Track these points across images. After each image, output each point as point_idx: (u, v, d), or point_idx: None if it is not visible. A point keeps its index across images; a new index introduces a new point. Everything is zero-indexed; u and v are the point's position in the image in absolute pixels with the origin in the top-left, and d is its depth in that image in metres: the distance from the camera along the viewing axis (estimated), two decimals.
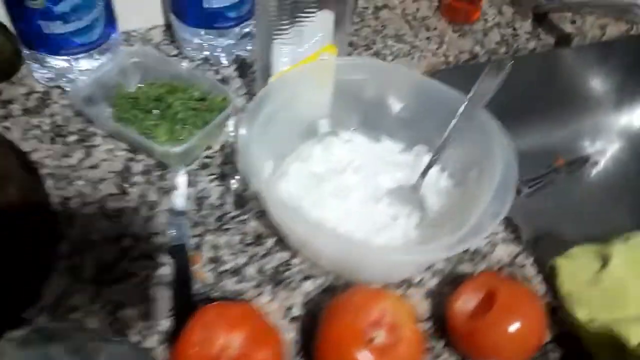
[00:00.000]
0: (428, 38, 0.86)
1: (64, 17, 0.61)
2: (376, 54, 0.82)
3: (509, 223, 0.63)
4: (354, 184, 0.60)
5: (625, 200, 0.97)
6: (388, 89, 0.62)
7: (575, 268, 0.56)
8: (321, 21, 0.61)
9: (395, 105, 0.63)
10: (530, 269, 0.59)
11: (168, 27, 0.78)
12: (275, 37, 0.61)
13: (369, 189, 0.60)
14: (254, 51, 0.70)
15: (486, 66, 0.60)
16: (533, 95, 0.99)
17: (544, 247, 0.81)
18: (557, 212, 0.91)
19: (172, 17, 0.73)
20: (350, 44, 0.83)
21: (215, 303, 0.47)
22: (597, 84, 1.05)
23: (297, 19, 0.60)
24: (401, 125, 0.64)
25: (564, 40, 0.94)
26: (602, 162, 1.06)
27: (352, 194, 0.59)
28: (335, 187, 0.59)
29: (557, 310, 0.55)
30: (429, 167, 0.58)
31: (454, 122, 0.55)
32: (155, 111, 0.64)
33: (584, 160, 1.04)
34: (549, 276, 0.57)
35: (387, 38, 0.85)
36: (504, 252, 0.60)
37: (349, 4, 0.62)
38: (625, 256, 0.55)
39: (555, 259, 0.57)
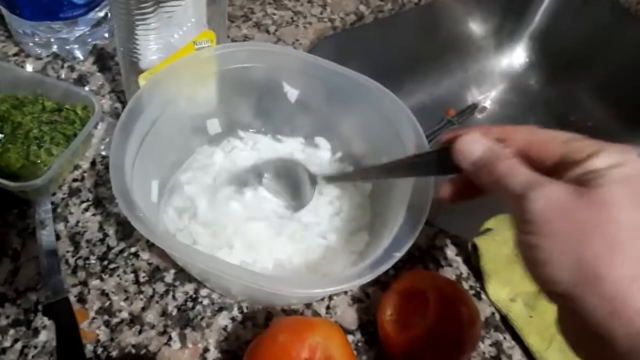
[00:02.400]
0: (310, 1, 0.79)
1: None
2: (257, 25, 0.73)
3: None
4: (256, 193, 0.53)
5: None
6: (279, 76, 0.55)
7: (493, 245, 0.55)
8: (192, 2, 0.52)
9: (292, 93, 0.55)
10: (449, 250, 0.56)
11: (2, 18, 0.63)
12: (139, 24, 0.51)
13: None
14: (113, 42, 0.59)
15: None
16: (420, 50, 0.96)
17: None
18: None
19: (3, 10, 0.59)
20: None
21: None
22: (477, 29, 1.05)
23: (161, 1, 0.50)
24: (299, 114, 0.57)
25: None
26: (490, 106, 1.08)
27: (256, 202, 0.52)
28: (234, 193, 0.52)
29: (481, 293, 0.53)
30: None
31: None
32: (0, 135, 0.52)
33: (473, 107, 1.05)
34: (470, 256, 0.56)
35: (266, 5, 0.77)
36: (421, 234, 0.57)
37: None
38: None
39: (474, 239, 0.55)
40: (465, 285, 0.54)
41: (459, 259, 0.56)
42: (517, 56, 1.11)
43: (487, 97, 1.08)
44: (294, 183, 0.53)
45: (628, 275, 0.26)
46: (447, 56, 1.03)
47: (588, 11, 0.98)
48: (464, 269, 0.55)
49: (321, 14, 0.77)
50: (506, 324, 0.52)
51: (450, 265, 0.55)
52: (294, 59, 0.54)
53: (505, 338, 0.51)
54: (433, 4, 0.91)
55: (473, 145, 0.33)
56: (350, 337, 0.48)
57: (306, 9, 0.77)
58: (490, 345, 0.50)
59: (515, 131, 0.34)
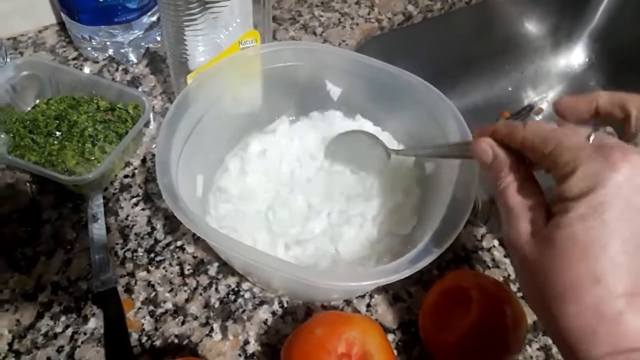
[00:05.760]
0: (357, 2, 0.79)
1: None
2: (304, 27, 0.74)
3: None
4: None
5: None
6: (323, 75, 0.55)
7: None
8: (238, 3, 0.53)
9: (334, 91, 0.56)
10: (497, 251, 0.54)
11: (63, 25, 0.67)
12: (187, 26, 0.52)
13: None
14: (164, 45, 0.61)
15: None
16: (472, 49, 0.94)
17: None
18: None
19: (64, 16, 0.63)
20: (274, 19, 0.75)
21: None
22: (533, 28, 1.02)
23: (208, 2, 0.51)
24: (343, 113, 0.57)
25: None
26: (547, 108, 1.04)
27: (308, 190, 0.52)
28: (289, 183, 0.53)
29: None
30: None
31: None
32: (57, 132, 0.55)
33: (528, 109, 1.02)
34: None
35: (314, 7, 0.78)
36: (468, 235, 0.55)
37: None
38: None
39: None
40: (513, 288, 0.52)
41: (507, 261, 0.54)
42: (575, 56, 1.06)
43: (544, 99, 1.05)
44: (359, 154, 0.53)
45: (577, 326, 0.27)
46: (502, 56, 1.00)
47: None
48: (512, 271, 0.53)
49: (369, 14, 0.77)
50: None
51: (498, 267, 0.53)
52: (337, 57, 0.54)
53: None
54: (485, 3, 0.89)
55: (484, 153, 0.34)
56: (390, 336, 0.48)
57: (353, 10, 0.77)
58: (538, 349, 0.48)
59: (518, 131, 0.32)
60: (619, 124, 0.34)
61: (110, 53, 0.65)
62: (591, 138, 0.29)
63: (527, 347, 0.48)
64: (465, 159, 0.43)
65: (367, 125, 0.56)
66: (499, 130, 0.34)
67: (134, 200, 0.54)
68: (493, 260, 0.54)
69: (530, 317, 0.50)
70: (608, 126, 0.36)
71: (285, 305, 0.49)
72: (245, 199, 0.51)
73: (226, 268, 0.50)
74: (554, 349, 0.48)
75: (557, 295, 0.28)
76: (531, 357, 0.47)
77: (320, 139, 0.55)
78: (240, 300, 0.48)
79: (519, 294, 0.51)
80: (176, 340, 0.46)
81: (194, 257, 0.51)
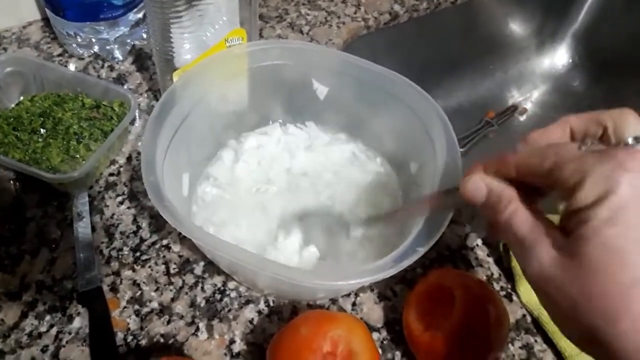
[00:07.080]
0: (344, 1, 0.79)
1: None
2: (290, 26, 0.74)
3: None
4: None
5: None
6: (309, 73, 0.55)
7: None
8: (224, 0, 0.53)
9: (321, 90, 0.56)
10: (480, 250, 0.55)
11: (47, 21, 0.67)
12: (173, 23, 0.52)
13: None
14: (150, 42, 0.61)
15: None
16: (457, 49, 0.95)
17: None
18: None
19: (49, 12, 0.62)
20: (261, 17, 0.75)
21: None
22: (517, 29, 1.03)
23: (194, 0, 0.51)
24: (328, 111, 0.57)
25: None
26: (531, 108, 1.05)
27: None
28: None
29: (512, 295, 0.52)
30: None
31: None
32: (42, 130, 0.54)
33: (513, 109, 1.03)
34: (501, 257, 0.55)
35: (300, 6, 0.78)
36: (452, 234, 0.56)
37: None
38: None
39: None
40: (496, 287, 0.53)
41: (490, 260, 0.55)
42: (559, 56, 1.08)
43: (528, 99, 1.06)
44: (328, 233, 0.52)
45: (633, 344, 0.24)
46: (486, 56, 1.01)
47: (634, 8, 0.95)
48: (495, 270, 0.54)
49: (355, 13, 0.77)
50: (538, 327, 0.50)
51: (481, 266, 0.54)
52: (324, 56, 0.54)
53: (536, 341, 0.49)
54: (470, 3, 0.90)
55: (476, 190, 0.31)
56: (375, 335, 0.48)
57: (340, 9, 0.77)
58: (520, 347, 0.49)
59: (510, 158, 0.31)
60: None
61: (95, 50, 0.65)
62: (583, 148, 0.28)
63: (510, 345, 0.49)
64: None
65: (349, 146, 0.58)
66: (489, 164, 0.32)
67: (120, 198, 0.54)
68: (476, 259, 0.54)
69: (513, 316, 0.50)
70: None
71: (271, 304, 0.49)
72: (233, 186, 0.51)
73: (212, 267, 0.50)
74: (536, 347, 0.49)
75: (604, 314, 0.25)
76: (513, 356, 0.48)
77: (304, 160, 0.57)
78: (226, 299, 0.48)
79: (502, 293, 0.52)
80: (162, 340, 0.46)
81: (180, 256, 0.51)
